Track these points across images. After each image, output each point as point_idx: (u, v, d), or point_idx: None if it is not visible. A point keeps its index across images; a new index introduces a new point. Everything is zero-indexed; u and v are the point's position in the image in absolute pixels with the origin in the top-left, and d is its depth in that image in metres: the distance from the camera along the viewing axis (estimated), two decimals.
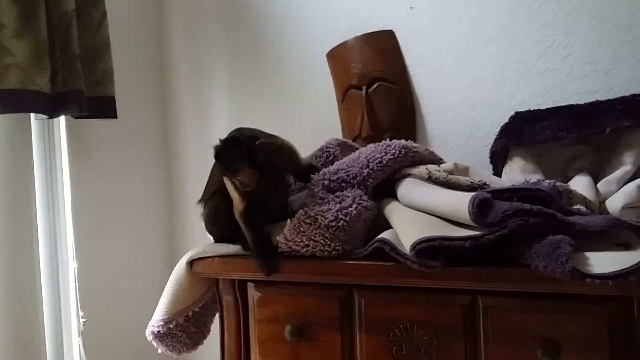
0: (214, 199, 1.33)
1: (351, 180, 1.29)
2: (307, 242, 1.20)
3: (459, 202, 1.08)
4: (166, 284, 1.37)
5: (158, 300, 1.37)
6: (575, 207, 1.19)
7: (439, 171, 1.30)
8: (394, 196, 1.31)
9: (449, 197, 1.15)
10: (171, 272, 1.37)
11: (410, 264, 1.06)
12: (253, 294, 1.30)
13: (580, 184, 1.33)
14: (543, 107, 1.47)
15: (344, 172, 1.30)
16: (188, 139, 2.11)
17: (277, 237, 1.25)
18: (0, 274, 1.47)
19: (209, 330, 1.44)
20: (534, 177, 1.39)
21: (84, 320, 1.70)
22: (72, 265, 1.71)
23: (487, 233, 1.02)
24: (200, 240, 1.99)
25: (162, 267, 2.04)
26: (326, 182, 1.29)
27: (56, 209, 1.69)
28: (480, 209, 1.03)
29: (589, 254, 0.99)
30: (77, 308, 1.70)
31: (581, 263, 0.96)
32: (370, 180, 1.29)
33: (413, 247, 1.03)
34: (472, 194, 1.08)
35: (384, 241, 1.12)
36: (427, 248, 1.03)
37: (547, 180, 1.22)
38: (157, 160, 2.12)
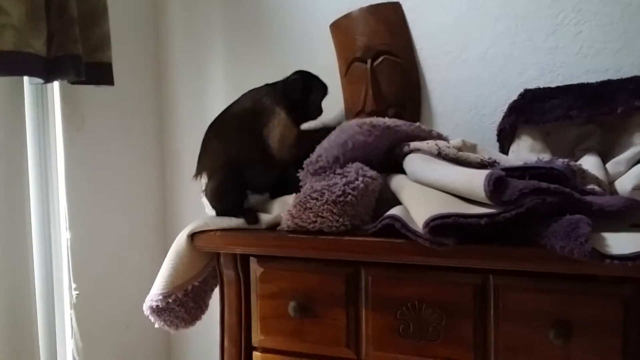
0: (221, 172, 1.30)
1: (332, 166, 1.24)
2: (314, 219, 1.17)
3: (473, 180, 1.05)
4: (158, 255, 1.34)
5: (151, 273, 1.34)
6: (589, 187, 1.17)
7: (448, 147, 1.28)
8: (398, 170, 1.29)
9: (462, 174, 1.12)
10: (164, 244, 1.35)
11: (422, 241, 1.03)
12: (255, 269, 1.27)
13: (589, 163, 1.31)
14: (552, 85, 1.45)
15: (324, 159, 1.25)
16: (183, 108, 2.06)
17: (282, 214, 1.22)
18: None
19: (207, 306, 1.42)
20: (543, 156, 1.37)
21: (77, 292, 1.66)
22: (64, 236, 1.66)
23: (503, 211, 0.99)
24: (194, 212, 1.97)
25: (155, 238, 2.01)
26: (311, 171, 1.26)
27: (49, 178, 1.65)
28: (496, 186, 1.00)
29: (606, 235, 0.98)
30: (69, 280, 1.66)
31: (599, 243, 0.94)
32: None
33: (426, 223, 1.01)
34: (485, 171, 1.06)
35: (394, 217, 1.09)
36: (441, 225, 1.00)
37: (561, 159, 1.19)
38: (152, 129, 2.06)
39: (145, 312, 1.33)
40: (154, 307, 1.31)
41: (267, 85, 1.39)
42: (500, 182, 1.02)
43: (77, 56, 1.43)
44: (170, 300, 1.30)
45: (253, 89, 1.39)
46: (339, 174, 1.20)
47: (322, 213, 1.16)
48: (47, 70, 1.39)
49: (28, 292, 1.49)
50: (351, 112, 1.66)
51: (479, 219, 0.99)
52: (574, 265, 0.96)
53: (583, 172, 1.20)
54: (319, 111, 1.40)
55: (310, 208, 1.17)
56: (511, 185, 1.01)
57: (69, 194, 1.67)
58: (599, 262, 0.91)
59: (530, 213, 0.99)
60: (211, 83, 1.99)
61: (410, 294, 1.13)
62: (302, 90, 1.35)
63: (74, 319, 1.66)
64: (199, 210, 1.43)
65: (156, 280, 1.32)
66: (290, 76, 1.38)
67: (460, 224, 1.00)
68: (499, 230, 1.01)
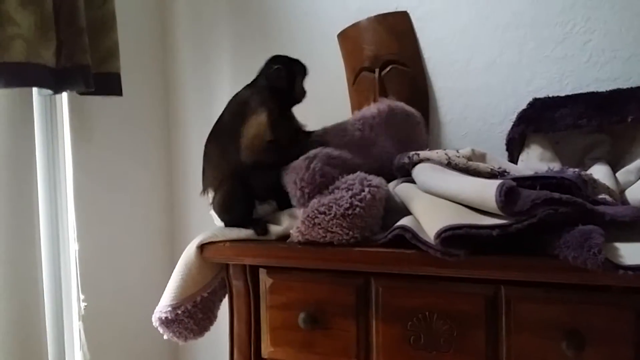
0: (227, 184, 1.29)
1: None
2: (324, 234, 1.16)
3: (484, 190, 1.04)
4: (167, 266, 1.33)
5: (159, 283, 1.34)
6: (600, 196, 1.16)
7: (458, 157, 1.27)
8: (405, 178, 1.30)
9: (472, 184, 1.11)
10: (172, 254, 1.34)
11: (432, 252, 1.03)
12: (265, 280, 1.27)
13: (600, 173, 1.30)
14: (561, 94, 1.44)
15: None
16: (191, 119, 2.06)
17: (291, 231, 1.21)
18: (0, 256, 1.42)
19: (215, 316, 1.41)
20: (553, 166, 1.36)
21: (85, 304, 1.65)
22: (73, 247, 1.66)
23: (515, 222, 0.99)
24: (202, 222, 1.96)
25: (163, 248, 2.01)
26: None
27: (58, 189, 1.64)
28: (507, 197, 1.00)
29: (619, 245, 0.97)
30: (78, 291, 1.65)
31: (612, 254, 0.94)
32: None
33: (438, 234, 1.00)
34: (496, 181, 1.05)
35: (404, 228, 1.09)
36: (452, 236, 1.00)
37: (572, 169, 1.19)
38: (159, 140, 2.07)
39: (154, 324, 1.32)
40: (163, 318, 1.30)
41: (248, 86, 1.38)
42: (512, 192, 1.01)
43: (86, 66, 1.43)
44: (179, 312, 1.30)
45: (237, 94, 1.37)
46: (344, 188, 1.20)
47: (332, 228, 1.15)
48: (56, 81, 1.39)
49: (37, 303, 1.49)
50: None
51: (491, 230, 0.99)
52: (587, 276, 0.95)
53: (594, 182, 1.19)
54: (303, 93, 1.40)
55: (319, 224, 1.16)
56: (523, 196, 1.01)
57: (78, 204, 1.66)
58: (613, 272, 0.91)
59: (543, 223, 0.98)
60: (219, 93, 1.99)
61: (421, 305, 1.13)
62: (287, 78, 1.35)
63: (82, 330, 1.65)
64: (206, 221, 1.42)
65: (165, 291, 1.32)
66: (268, 65, 1.36)
67: (472, 235, 0.99)
68: (511, 241, 1.01)
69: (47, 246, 1.60)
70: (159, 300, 1.33)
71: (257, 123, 1.27)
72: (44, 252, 1.56)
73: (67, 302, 1.67)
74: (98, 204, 1.75)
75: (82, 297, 1.66)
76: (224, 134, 1.34)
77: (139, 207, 1.95)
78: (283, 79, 1.34)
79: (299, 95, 1.39)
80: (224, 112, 1.37)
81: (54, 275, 1.63)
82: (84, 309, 1.66)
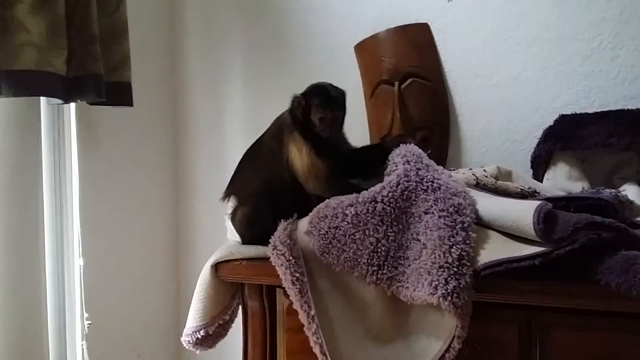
0: (256, 199, 1.23)
1: None
2: None
3: (520, 218, 1.00)
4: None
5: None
6: (638, 219, 1.11)
7: (486, 176, 1.22)
8: None
9: (506, 209, 1.06)
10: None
11: None
12: (282, 300, 1.21)
13: (631, 193, 1.25)
14: (587, 111, 1.41)
15: None
16: (200, 131, 2.02)
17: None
18: (3, 270, 1.37)
19: (226, 332, 1.35)
20: (580, 184, 1.33)
21: (89, 322, 1.59)
22: (78, 262, 1.60)
23: (556, 248, 0.94)
24: (208, 238, 1.91)
25: (170, 265, 1.95)
26: None
27: (63, 203, 1.59)
28: (546, 224, 0.96)
29: None
30: (82, 309, 1.59)
31: None
32: None
33: (477, 274, 0.97)
34: (531, 203, 1.02)
35: None
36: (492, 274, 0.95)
37: (607, 189, 1.14)
38: (167, 152, 2.02)
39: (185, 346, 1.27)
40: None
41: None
42: (550, 217, 0.97)
43: (98, 76, 1.38)
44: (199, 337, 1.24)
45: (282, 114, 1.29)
46: None
47: None
48: (66, 91, 1.34)
49: (40, 321, 1.44)
50: (376, 135, 1.61)
51: (533, 261, 0.94)
52: (631, 304, 0.91)
53: (631, 203, 1.15)
54: (320, 125, 1.22)
55: None
56: (562, 220, 0.96)
57: (83, 218, 1.61)
58: None
59: (583, 248, 0.93)
60: (229, 105, 1.94)
61: None
62: (303, 109, 1.21)
63: (85, 350, 1.59)
64: (213, 237, 1.37)
65: (189, 314, 1.25)
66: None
67: (512, 269, 0.95)
68: (548, 266, 0.96)
69: (51, 261, 1.54)
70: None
71: (299, 148, 1.20)
72: (48, 268, 1.50)
73: (70, 320, 1.62)
74: (104, 217, 1.70)
75: (86, 315, 1.60)
76: (263, 151, 1.28)
77: (146, 221, 1.89)
78: (299, 109, 1.22)
79: (313, 126, 1.22)
80: (269, 127, 1.29)
81: (57, 292, 1.57)
82: (88, 327, 1.60)
